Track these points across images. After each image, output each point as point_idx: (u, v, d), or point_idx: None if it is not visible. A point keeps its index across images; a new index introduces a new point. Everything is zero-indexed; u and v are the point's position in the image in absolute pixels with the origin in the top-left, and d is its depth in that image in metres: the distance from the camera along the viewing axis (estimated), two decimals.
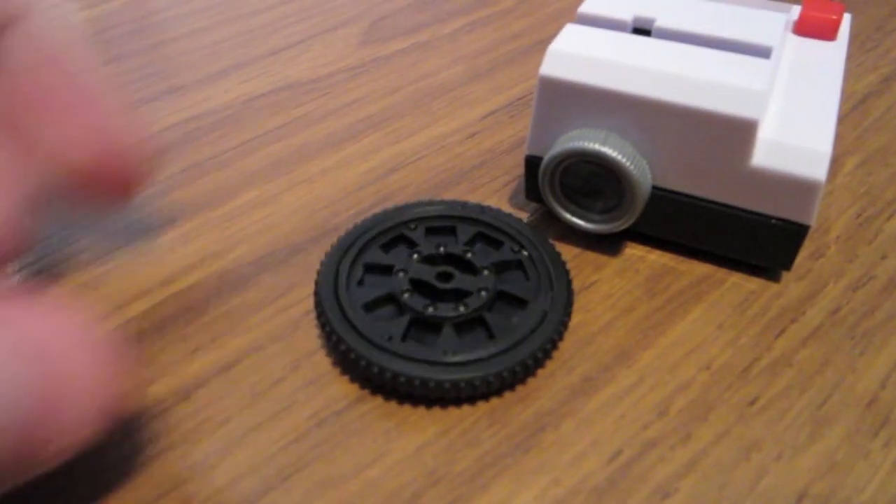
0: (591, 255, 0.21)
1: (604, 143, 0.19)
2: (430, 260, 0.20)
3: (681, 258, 0.21)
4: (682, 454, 0.17)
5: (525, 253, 0.20)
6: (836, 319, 0.20)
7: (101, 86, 0.17)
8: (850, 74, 0.29)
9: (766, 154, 0.19)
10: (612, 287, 0.20)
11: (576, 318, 0.20)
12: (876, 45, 0.31)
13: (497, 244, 0.20)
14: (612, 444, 0.17)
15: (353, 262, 0.19)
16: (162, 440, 0.17)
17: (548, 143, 0.21)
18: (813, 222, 0.19)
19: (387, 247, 0.20)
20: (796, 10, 0.23)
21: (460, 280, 0.19)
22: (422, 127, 0.27)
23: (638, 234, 0.21)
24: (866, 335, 0.19)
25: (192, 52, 0.32)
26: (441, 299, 0.18)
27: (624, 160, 0.19)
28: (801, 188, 0.19)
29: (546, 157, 0.20)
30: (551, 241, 0.21)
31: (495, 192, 0.24)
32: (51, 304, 0.13)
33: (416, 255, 0.19)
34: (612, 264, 0.21)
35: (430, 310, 0.18)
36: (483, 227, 0.21)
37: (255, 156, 0.26)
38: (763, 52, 0.20)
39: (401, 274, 0.19)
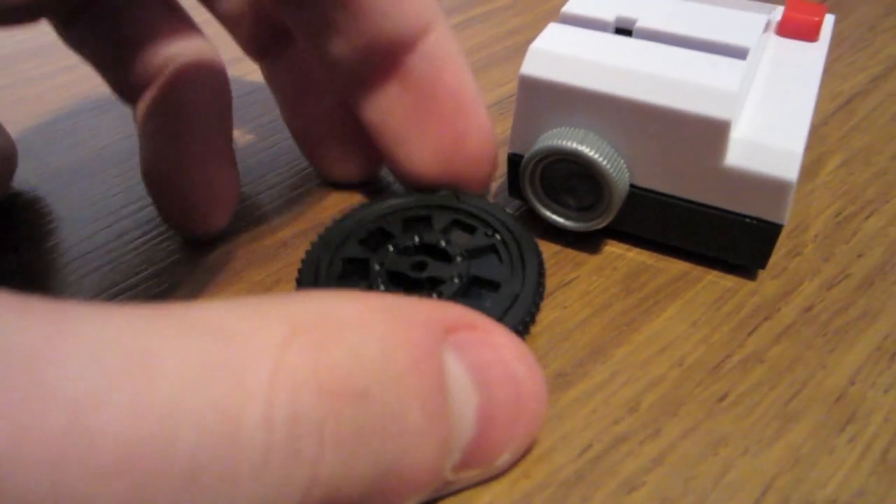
0: (571, 253, 0.22)
1: (581, 143, 0.20)
2: (406, 251, 0.20)
3: (659, 256, 0.22)
4: (650, 448, 0.17)
5: (498, 237, 0.20)
6: (809, 317, 0.20)
7: (476, 89, 0.21)
8: (839, 74, 0.29)
9: (739, 154, 0.19)
10: (590, 284, 0.21)
11: (553, 315, 0.20)
12: (867, 44, 0.31)
13: (471, 229, 0.20)
14: (583, 439, 0.17)
15: (333, 256, 0.20)
16: None
17: (529, 142, 0.21)
18: (786, 221, 0.20)
19: (365, 241, 0.20)
20: (780, 11, 0.23)
21: (434, 268, 0.19)
22: None
23: (618, 233, 0.22)
24: (838, 332, 0.20)
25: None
26: (416, 289, 0.19)
27: (601, 159, 0.20)
28: (772, 188, 0.19)
29: (526, 156, 0.21)
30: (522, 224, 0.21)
31: None
32: (491, 326, 0.15)
33: (392, 247, 0.20)
34: (591, 262, 0.22)
35: None
36: (458, 213, 0.21)
37: (240, 152, 0.26)
38: (740, 54, 0.20)
39: (377, 266, 0.19)
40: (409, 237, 0.20)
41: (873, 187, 0.24)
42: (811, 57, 0.22)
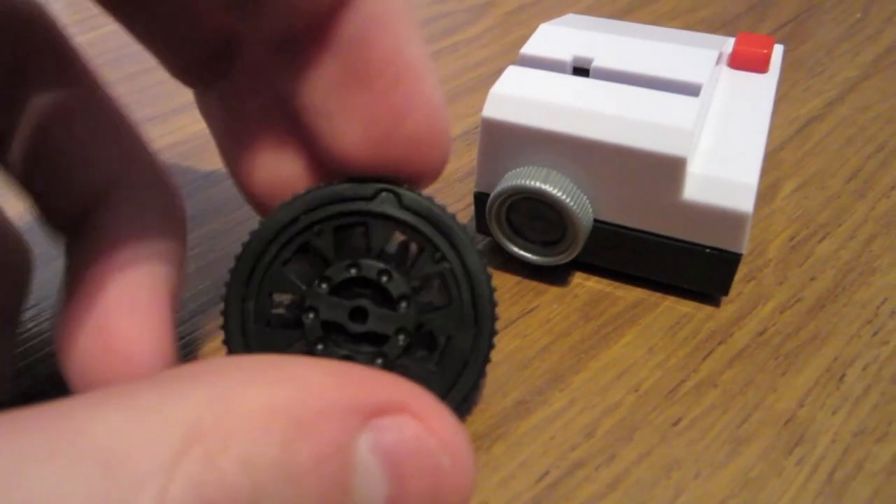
0: (533, 283, 0.22)
1: (545, 181, 0.20)
2: (341, 288, 0.17)
3: (618, 284, 0.22)
4: (605, 474, 0.18)
5: (447, 264, 0.17)
6: (762, 341, 0.21)
7: (425, 59, 0.17)
8: (796, 99, 0.30)
9: (696, 188, 0.20)
10: (551, 312, 0.22)
11: (513, 343, 0.21)
12: (823, 69, 0.32)
13: (417, 247, 0.17)
14: (541, 466, 0.18)
15: (259, 293, 0.17)
16: None
17: (494, 181, 0.22)
18: (744, 250, 0.21)
19: (292, 260, 0.17)
20: (731, 43, 0.24)
21: (376, 318, 0.17)
22: None
23: (579, 262, 0.23)
24: (789, 356, 0.20)
25: (165, 82, 0.33)
26: (358, 343, 0.17)
27: (564, 197, 0.20)
28: (730, 219, 0.20)
29: (491, 195, 0.21)
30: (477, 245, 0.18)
31: None
32: (424, 406, 0.13)
33: (324, 284, 0.17)
34: (551, 291, 0.22)
35: None
36: (400, 225, 0.17)
37: (222, 185, 0.27)
38: (693, 90, 0.21)
39: (311, 315, 0.17)
40: (344, 266, 0.17)
41: (827, 211, 0.25)
42: (762, 88, 0.23)
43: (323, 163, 0.18)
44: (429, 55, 0.17)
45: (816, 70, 0.32)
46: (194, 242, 0.24)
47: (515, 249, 0.22)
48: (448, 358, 0.17)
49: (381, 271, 0.17)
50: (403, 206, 0.17)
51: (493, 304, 0.17)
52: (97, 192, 0.18)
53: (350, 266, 0.17)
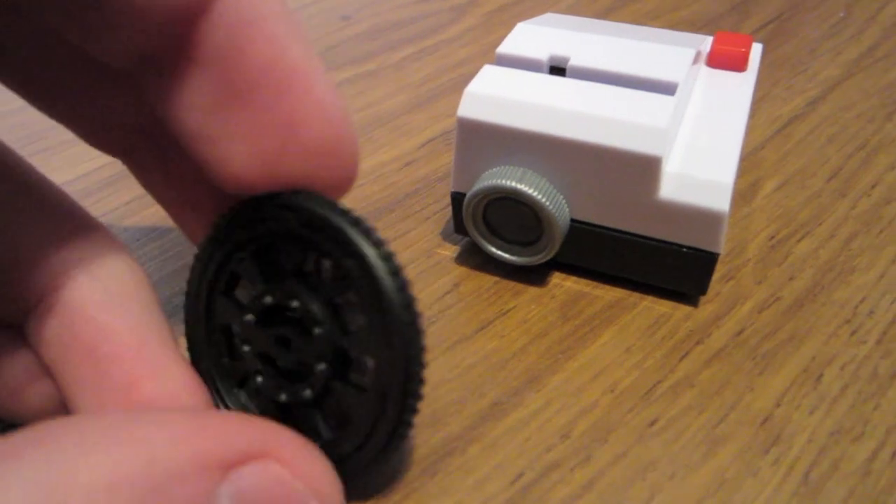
0: (510, 283, 0.22)
1: (520, 181, 0.20)
2: (266, 317, 0.16)
3: (596, 284, 0.22)
4: (580, 475, 0.18)
5: (348, 282, 0.15)
6: (740, 341, 0.21)
7: (312, 60, 0.15)
8: (778, 98, 0.30)
9: (672, 187, 0.20)
10: (528, 313, 0.21)
11: (491, 344, 0.21)
12: (805, 68, 0.32)
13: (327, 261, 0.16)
14: (516, 467, 0.18)
15: (207, 324, 0.17)
16: None
17: (470, 181, 0.22)
18: (720, 250, 0.20)
19: (229, 293, 0.17)
20: (710, 42, 0.24)
21: (299, 346, 0.16)
22: (361, 156, 0.28)
23: (557, 262, 0.22)
24: (766, 356, 0.20)
25: None
26: (287, 375, 0.16)
27: (540, 197, 0.20)
28: (706, 219, 0.20)
29: (467, 196, 0.21)
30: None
31: (426, 220, 0.25)
32: (290, 450, 0.13)
33: (250, 315, 0.16)
34: (529, 291, 0.22)
35: (284, 397, 0.16)
36: (306, 244, 0.15)
37: None
38: (669, 89, 0.21)
39: (246, 347, 0.16)
40: (261, 293, 0.16)
41: (807, 210, 0.25)
42: (740, 87, 0.23)
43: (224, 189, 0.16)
44: (315, 55, 0.15)
45: (799, 69, 0.32)
46: (172, 243, 0.24)
47: (493, 249, 0.22)
48: (376, 383, 0.15)
49: (290, 296, 0.15)
50: (302, 222, 0.15)
51: (407, 323, 0.15)
52: (46, 280, 0.16)
53: (265, 293, 0.16)
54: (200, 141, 0.15)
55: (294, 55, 0.14)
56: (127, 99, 0.17)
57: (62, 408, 0.17)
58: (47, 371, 0.17)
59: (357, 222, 0.15)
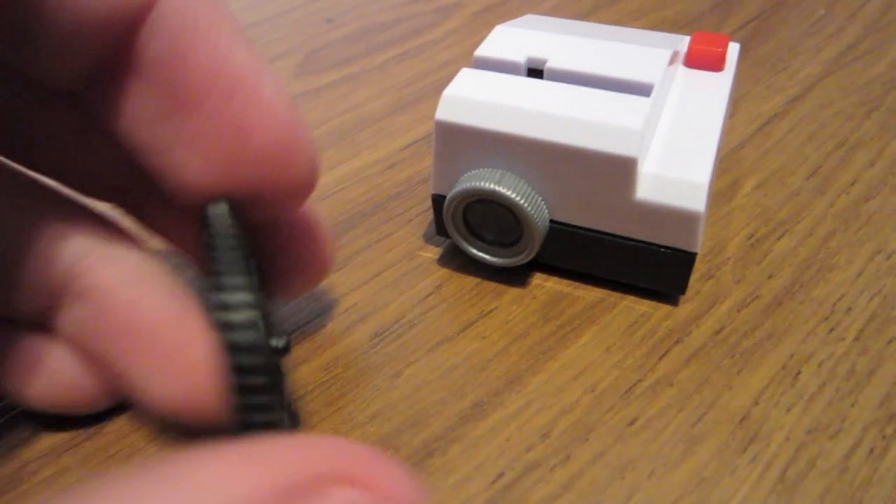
0: (492, 285, 0.22)
1: (499, 183, 0.20)
2: None
3: (577, 284, 0.22)
4: (560, 475, 0.18)
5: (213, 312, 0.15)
6: (719, 339, 0.21)
7: (258, 64, 0.15)
8: (758, 96, 0.30)
9: (648, 188, 0.20)
10: (510, 314, 0.22)
11: (472, 345, 0.21)
12: (786, 66, 0.32)
13: None
14: (496, 467, 0.18)
15: None
16: (73, 474, 0.18)
17: (450, 183, 0.22)
18: (698, 249, 0.21)
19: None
20: (687, 42, 0.24)
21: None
22: (344, 159, 0.28)
23: (539, 263, 0.23)
24: (745, 354, 0.20)
25: None
26: None
27: (518, 198, 0.20)
28: (682, 219, 0.20)
29: (447, 198, 0.21)
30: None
31: (409, 222, 0.25)
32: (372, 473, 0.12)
33: None
34: (511, 292, 0.22)
35: None
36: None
37: None
38: (645, 91, 0.21)
39: None
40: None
41: (786, 208, 0.25)
42: (717, 86, 0.23)
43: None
44: (261, 59, 0.15)
45: (779, 67, 0.32)
46: None
47: (473, 251, 0.22)
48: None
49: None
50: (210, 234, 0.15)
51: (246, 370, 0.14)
52: (67, 268, 0.17)
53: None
54: (152, 153, 0.15)
55: (238, 60, 0.14)
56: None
57: (108, 397, 0.18)
58: (89, 360, 0.17)
59: (231, 247, 0.15)
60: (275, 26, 0.37)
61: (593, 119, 0.20)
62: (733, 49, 0.24)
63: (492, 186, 0.20)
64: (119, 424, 0.19)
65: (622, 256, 0.21)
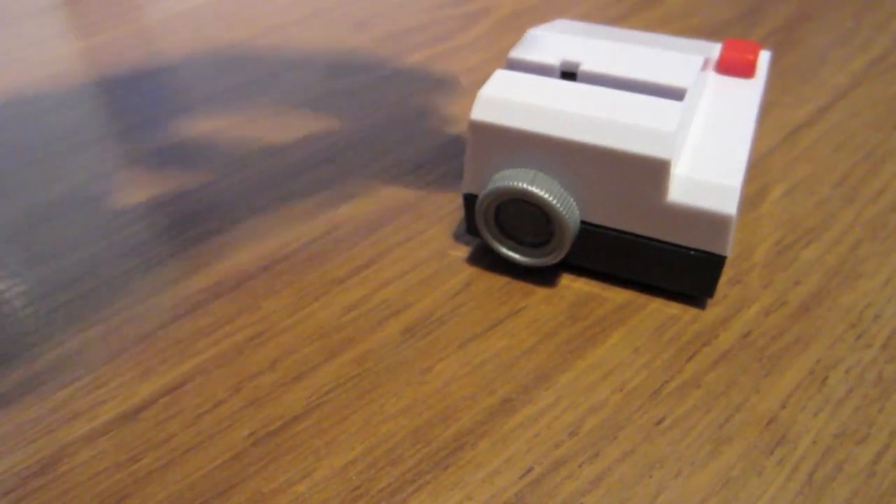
0: (521, 284, 0.23)
1: (532, 183, 0.21)
2: None
3: (605, 285, 0.23)
4: (588, 471, 0.18)
5: None
6: (747, 343, 0.21)
7: None
8: (787, 106, 0.31)
9: (680, 190, 0.20)
10: (538, 313, 0.22)
11: (501, 343, 0.21)
12: (814, 75, 0.32)
13: None
14: (525, 462, 0.18)
15: None
16: (109, 457, 0.18)
17: (482, 182, 0.22)
18: (728, 253, 0.21)
19: None
20: (718, 49, 0.25)
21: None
22: (375, 158, 0.28)
23: (567, 264, 0.23)
24: (772, 358, 0.21)
25: (161, 88, 0.33)
26: None
27: (551, 198, 0.21)
28: (713, 222, 0.20)
29: (479, 196, 0.22)
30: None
31: (438, 221, 0.25)
32: None
33: None
34: (539, 292, 0.22)
35: None
36: None
37: (219, 185, 0.27)
38: (678, 95, 0.21)
39: None
40: None
41: (814, 216, 0.25)
42: (748, 93, 0.23)
43: None
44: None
45: (807, 77, 0.32)
46: (194, 240, 0.25)
47: (504, 250, 0.23)
48: None
49: None
50: None
51: None
52: None
53: None
54: None
55: None
56: None
57: None
58: None
59: None
60: (306, 28, 0.38)
61: (627, 121, 0.20)
62: (764, 57, 0.25)
63: (524, 186, 0.21)
64: (155, 411, 0.19)
65: (652, 258, 0.22)
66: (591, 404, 0.19)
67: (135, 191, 0.27)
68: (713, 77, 0.24)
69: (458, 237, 0.25)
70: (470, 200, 0.23)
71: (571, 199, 0.21)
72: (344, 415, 0.19)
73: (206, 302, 0.22)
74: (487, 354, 0.21)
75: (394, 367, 0.20)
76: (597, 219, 0.22)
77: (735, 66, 0.24)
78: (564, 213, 0.21)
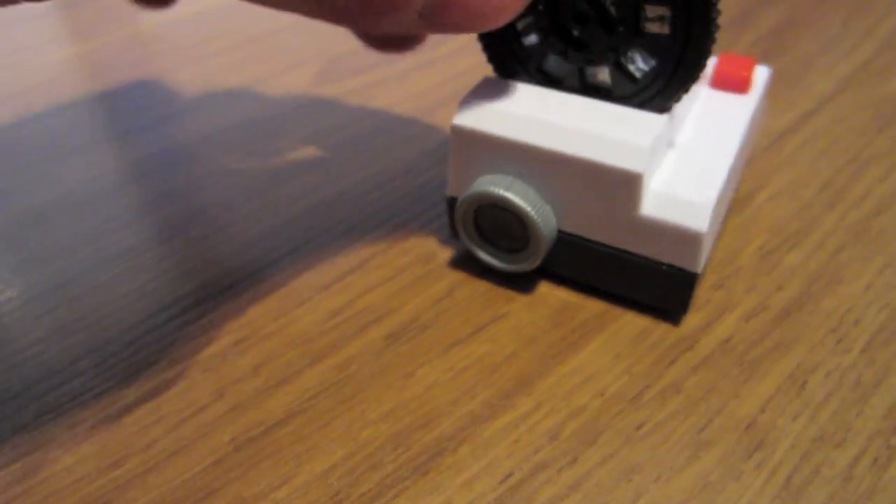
0: (503, 290, 0.23)
1: (508, 189, 0.21)
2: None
3: (586, 295, 0.23)
4: (567, 476, 0.18)
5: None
6: (727, 348, 0.21)
7: None
8: (772, 111, 0.31)
9: (653, 204, 0.20)
10: (520, 319, 0.22)
11: (483, 348, 0.21)
12: (800, 81, 0.33)
13: None
14: (505, 467, 0.18)
15: None
16: (90, 463, 0.18)
17: (464, 186, 0.22)
18: (699, 269, 0.21)
19: None
20: (713, 63, 0.25)
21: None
22: (362, 164, 0.28)
23: (551, 272, 0.23)
24: (753, 363, 0.21)
25: (159, 91, 0.33)
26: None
27: (525, 205, 0.21)
28: (685, 237, 0.20)
29: (458, 200, 0.22)
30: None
31: (423, 227, 0.25)
32: None
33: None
34: (521, 299, 0.23)
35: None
36: None
37: (220, 184, 0.27)
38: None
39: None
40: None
41: (797, 221, 0.25)
42: (740, 109, 0.23)
43: None
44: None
45: (794, 82, 0.33)
46: (174, 250, 0.25)
47: (482, 255, 0.23)
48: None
49: None
50: None
51: None
52: None
53: None
54: None
55: None
56: None
57: None
58: None
59: None
60: (295, 33, 0.38)
61: (604, 133, 0.20)
62: (761, 72, 0.25)
63: (501, 192, 0.21)
64: (138, 416, 0.20)
65: (626, 271, 0.22)
66: (572, 409, 0.20)
67: (122, 197, 0.27)
68: (706, 91, 0.24)
69: (442, 244, 0.25)
70: (452, 204, 0.23)
71: (548, 208, 0.21)
72: (325, 420, 0.19)
73: (191, 307, 0.23)
74: (469, 360, 0.21)
75: (376, 373, 0.21)
76: (574, 228, 0.22)
77: (729, 81, 0.24)
78: (538, 220, 0.21)
